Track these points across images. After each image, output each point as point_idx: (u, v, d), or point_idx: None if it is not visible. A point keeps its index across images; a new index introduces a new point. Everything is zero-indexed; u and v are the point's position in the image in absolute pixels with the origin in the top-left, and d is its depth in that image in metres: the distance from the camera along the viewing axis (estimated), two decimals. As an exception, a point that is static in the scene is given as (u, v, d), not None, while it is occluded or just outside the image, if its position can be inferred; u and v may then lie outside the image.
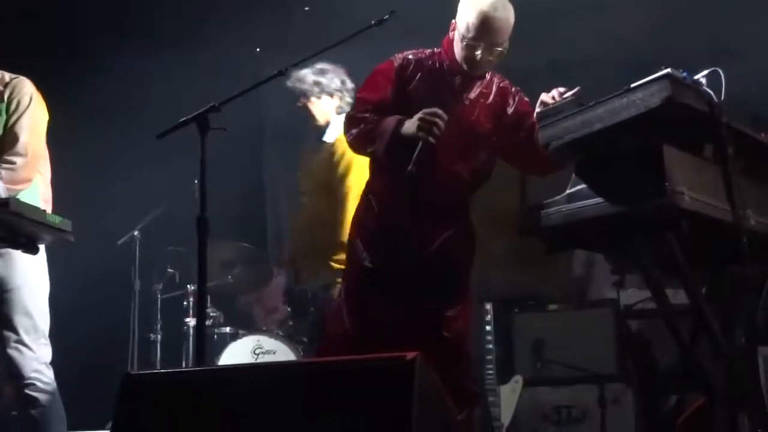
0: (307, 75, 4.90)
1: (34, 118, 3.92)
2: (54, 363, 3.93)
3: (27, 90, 3.94)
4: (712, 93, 2.76)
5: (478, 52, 3.55)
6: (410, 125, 3.45)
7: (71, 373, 4.18)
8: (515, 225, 3.07)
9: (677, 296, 3.01)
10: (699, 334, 3.03)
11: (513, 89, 3.77)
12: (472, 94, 3.68)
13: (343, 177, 4.80)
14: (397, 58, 3.73)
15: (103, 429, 4.98)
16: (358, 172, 4.48)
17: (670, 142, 2.69)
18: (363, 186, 3.86)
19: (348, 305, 3.72)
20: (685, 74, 2.75)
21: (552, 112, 2.93)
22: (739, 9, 6.24)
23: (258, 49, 7.25)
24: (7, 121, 3.87)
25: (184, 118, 3.27)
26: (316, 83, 4.94)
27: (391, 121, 3.52)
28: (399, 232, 3.65)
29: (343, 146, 4.45)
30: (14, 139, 3.85)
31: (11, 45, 4.07)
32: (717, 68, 2.83)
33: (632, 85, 2.69)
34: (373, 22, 3.44)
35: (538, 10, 6.23)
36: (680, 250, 2.76)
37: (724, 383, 2.91)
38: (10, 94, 3.90)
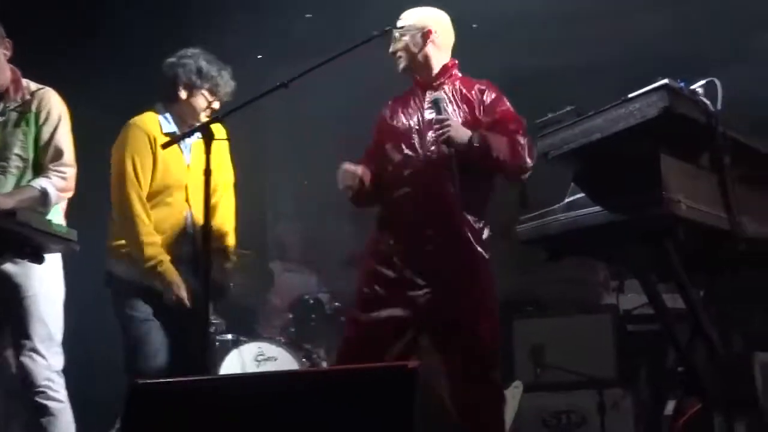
0: None
1: (68, 131, 4.01)
2: (63, 370, 3.97)
3: (55, 101, 4.00)
4: (708, 103, 2.81)
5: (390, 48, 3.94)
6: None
7: (78, 379, 4.20)
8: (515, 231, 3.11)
9: (675, 301, 3.04)
10: (696, 340, 3.06)
11: (482, 96, 3.89)
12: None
13: None
14: (386, 104, 4.10)
15: (107, 436, 5.01)
16: None
17: (667, 151, 2.73)
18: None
19: (356, 307, 3.94)
20: (682, 84, 2.80)
21: (551, 122, 2.96)
22: (739, 15, 6.28)
23: (260, 56, 7.29)
24: (39, 131, 3.94)
25: (188, 129, 3.29)
26: None
27: None
28: (392, 244, 3.87)
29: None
30: (59, 150, 3.94)
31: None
32: (713, 78, 2.87)
33: (630, 96, 2.73)
34: (375, 32, 3.47)
35: (537, 17, 6.30)
36: (677, 258, 2.79)
37: (721, 389, 2.94)
38: (38, 104, 3.96)
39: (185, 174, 3.99)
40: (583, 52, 6.46)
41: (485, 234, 3.86)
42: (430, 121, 3.83)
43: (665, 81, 2.69)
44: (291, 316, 6.44)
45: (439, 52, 3.98)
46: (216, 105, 4.04)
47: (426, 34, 3.93)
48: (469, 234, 3.81)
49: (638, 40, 6.33)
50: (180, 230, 3.99)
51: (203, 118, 3.96)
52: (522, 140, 3.75)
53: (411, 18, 3.95)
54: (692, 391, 3.04)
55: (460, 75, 4.01)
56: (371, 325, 3.81)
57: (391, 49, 3.95)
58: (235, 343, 5.93)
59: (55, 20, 6.13)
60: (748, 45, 6.21)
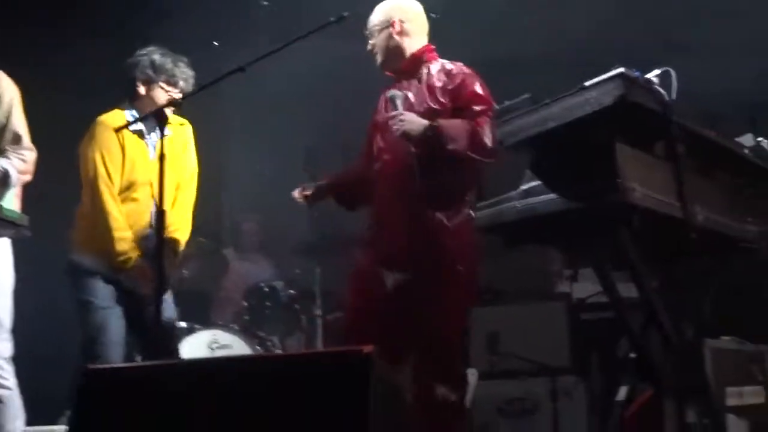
0: None
1: (22, 113, 3.96)
2: (14, 358, 3.92)
3: (6, 83, 3.95)
4: (663, 92, 2.83)
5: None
6: None
7: (28, 367, 4.15)
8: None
9: (629, 290, 3.07)
10: (649, 328, 3.10)
11: (448, 79, 3.89)
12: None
13: None
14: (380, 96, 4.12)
15: (57, 423, 4.95)
16: None
17: (622, 139, 2.75)
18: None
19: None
20: (637, 74, 2.81)
21: (507, 110, 2.97)
22: (691, 6, 6.35)
23: (216, 43, 7.23)
24: None
25: (144, 114, 3.26)
26: None
27: None
28: (375, 230, 3.95)
29: None
30: (17, 134, 3.91)
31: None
32: (669, 68, 2.89)
33: (586, 84, 2.75)
34: (331, 19, 3.46)
35: (496, 5, 6.32)
36: (631, 246, 2.82)
37: (673, 375, 2.98)
38: None
39: (151, 170, 3.98)
40: (530, 41, 6.52)
41: (457, 221, 3.79)
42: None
43: (621, 70, 2.71)
44: (245, 303, 6.41)
45: (412, 40, 3.99)
46: (177, 95, 4.07)
47: (392, 25, 3.96)
48: (435, 227, 3.78)
49: (585, 29, 6.38)
50: (146, 225, 4.03)
51: (167, 110, 3.88)
52: (485, 125, 3.69)
53: (377, 15, 4.00)
54: (644, 377, 3.07)
55: (438, 59, 3.99)
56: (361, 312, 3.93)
57: (368, 48, 4.02)
58: (189, 331, 5.88)
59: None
60: (690, 37, 6.29)
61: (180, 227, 4.21)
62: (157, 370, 2.49)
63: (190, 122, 4.29)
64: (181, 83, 4.09)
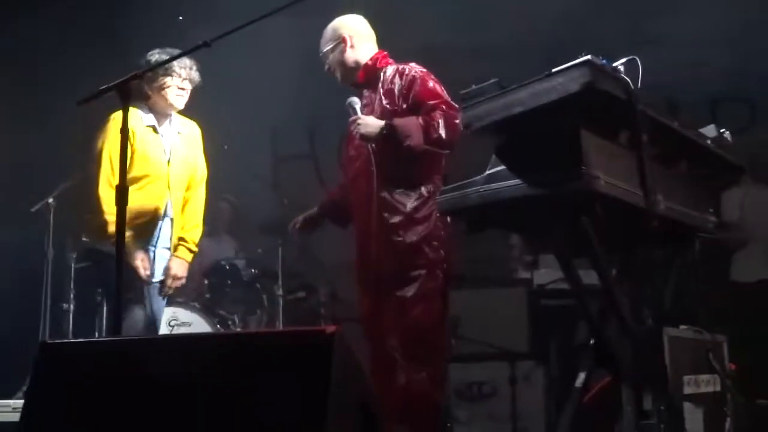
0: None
1: None
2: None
3: None
4: (629, 81, 2.84)
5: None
6: None
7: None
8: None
9: (588, 277, 3.09)
10: (608, 314, 3.12)
11: (401, 81, 4.09)
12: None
13: None
14: None
15: (14, 397, 4.91)
16: None
17: (588, 127, 2.75)
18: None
19: None
20: (604, 61, 2.82)
21: (474, 94, 2.97)
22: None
23: (180, 18, 7.16)
24: None
25: (106, 86, 3.22)
26: None
27: None
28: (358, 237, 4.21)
29: None
30: None
31: None
32: (635, 56, 2.90)
33: (553, 70, 2.74)
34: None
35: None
36: (593, 233, 2.83)
37: (631, 362, 3.01)
38: None
39: (165, 166, 4.37)
40: (500, 28, 6.53)
41: (422, 212, 4.02)
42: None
43: (588, 57, 2.71)
44: (206, 281, 6.38)
45: (363, 51, 4.22)
46: (186, 85, 4.39)
47: (343, 41, 4.20)
48: (400, 218, 4.00)
49: (554, 18, 6.41)
50: (157, 216, 4.36)
51: (178, 104, 4.39)
52: (439, 118, 3.87)
53: (327, 36, 4.26)
54: (602, 363, 3.10)
55: (391, 65, 4.18)
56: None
57: (326, 69, 4.27)
58: (149, 308, 5.84)
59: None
60: (659, 28, 6.34)
61: (192, 228, 4.56)
62: (116, 345, 2.47)
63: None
64: (183, 72, 4.35)
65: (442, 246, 4.02)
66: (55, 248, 5.90)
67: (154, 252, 4.41)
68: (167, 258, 4.45)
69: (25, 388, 5.20)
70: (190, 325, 5.75)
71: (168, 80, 4.33)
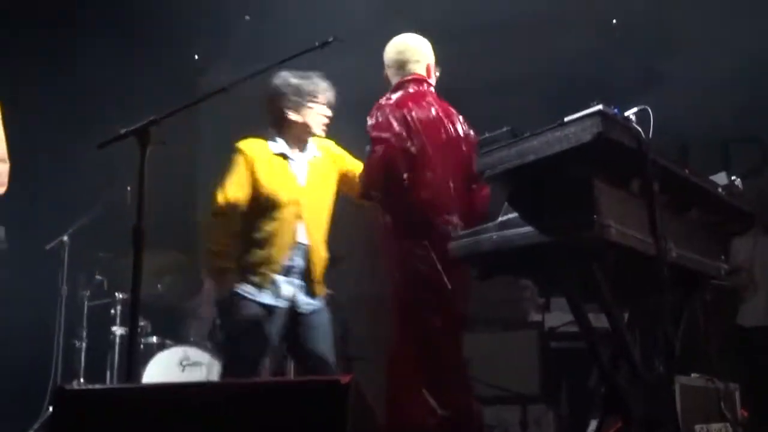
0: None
1: (0, 125, 3.94)
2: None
3: None
4: (640, 130, 2.87)
5: None
6: None
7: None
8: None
9: (600, 320, 3.10)
10: (619, 360, 3.13)
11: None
12: None
13: None
14: None
15: (26, 436, 4.93)
16: None
17: (599, 176, 2.78)
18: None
19: None
20: (616, 110, 2.86)
21: (487, 142, 3.00)
22: (670, 38, 6.44)
23: (196, 56, 7.23)
24: None
25: (125, 130, 3.24)
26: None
27: None
28: None
29: None
30: None
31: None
32: (646, 106, 2.94)
33: (566, 119, 2.78)
34: (317, 44, 3.49)
35: (474, 30, 6.38)
36: (604, 280, 2.85)
37: (642, 408, 3.01)
38: None
39: (297, 191, 4.13)
40: (513, 66, 6.59)
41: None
42: None
43: (599, 107, 2.75)
44: (218, 321, 6.37)
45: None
46: (325, 111, 4.22)
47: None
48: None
49: (568, 57, 6.46)
50: (291, 244, 4.11)
51: (320, 131, 4.20)
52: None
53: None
54: (613, 410, 3.10)
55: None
56: None
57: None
58: (160, 347, 5.86)
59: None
60: (671, 68, 6.37)
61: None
62: (130, 392, 2.48)
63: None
64: (323, 97, 4.20)
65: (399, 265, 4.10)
66: (68, 285, 5.93)
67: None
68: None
69: (36, 426, 5.22)
70: (201, 365, 5.74)
71: (312, 105, 4.17)
